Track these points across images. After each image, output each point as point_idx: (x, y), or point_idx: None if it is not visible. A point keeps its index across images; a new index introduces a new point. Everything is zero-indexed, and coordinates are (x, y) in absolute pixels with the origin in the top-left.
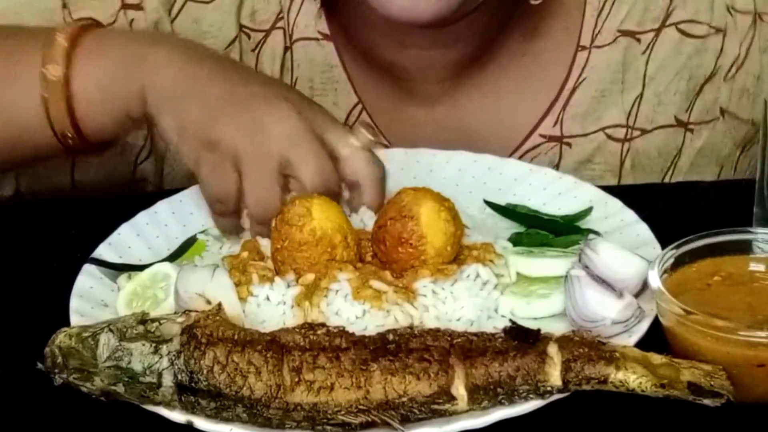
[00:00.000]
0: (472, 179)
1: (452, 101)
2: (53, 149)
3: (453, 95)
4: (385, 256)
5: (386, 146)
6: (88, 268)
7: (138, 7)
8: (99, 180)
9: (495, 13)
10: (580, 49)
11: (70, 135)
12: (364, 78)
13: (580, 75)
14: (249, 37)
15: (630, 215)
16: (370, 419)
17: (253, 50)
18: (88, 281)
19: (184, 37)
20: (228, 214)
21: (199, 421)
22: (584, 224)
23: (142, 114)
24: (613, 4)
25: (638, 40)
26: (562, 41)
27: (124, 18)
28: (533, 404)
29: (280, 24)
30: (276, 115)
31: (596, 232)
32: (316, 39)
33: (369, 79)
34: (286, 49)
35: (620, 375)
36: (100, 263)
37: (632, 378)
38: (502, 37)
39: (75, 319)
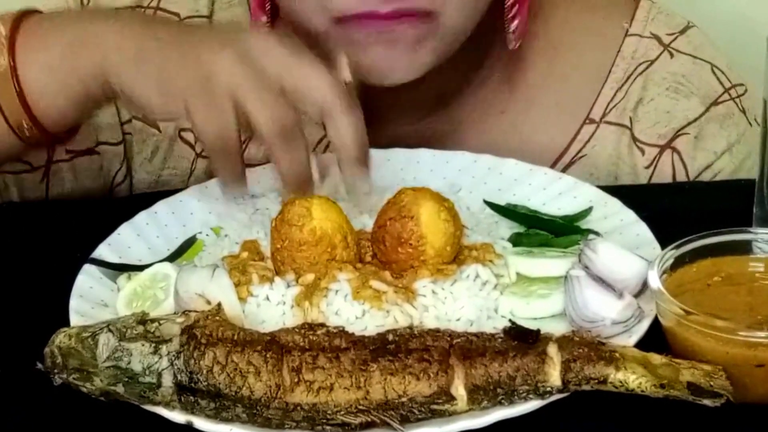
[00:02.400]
0: (472, 179)
1: (427, 133)
2: (13, 145)
3: (426, 134)
4: (384, 256)
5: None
6: (88, 268)
7: None
8: (73, 198)
9: (468, 59)
10: (587, 122)
11: (27, 126)
12: None
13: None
14: None
15: (630, 215)
16: (369, 419)
17: None
18: (88, 281)
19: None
20: (231, 152)
21: (198, 421)
22: (584, 224)
23: (102, 91)
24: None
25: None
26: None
27: None
28: (533, 404)
29: None
30: (219, 55)
31: (596, 232)
32: None
33: None
34: None
35: (620, 375)
36: (100, 263)
37: (632, 378)
38: (481, 78)
39: (75, 319)
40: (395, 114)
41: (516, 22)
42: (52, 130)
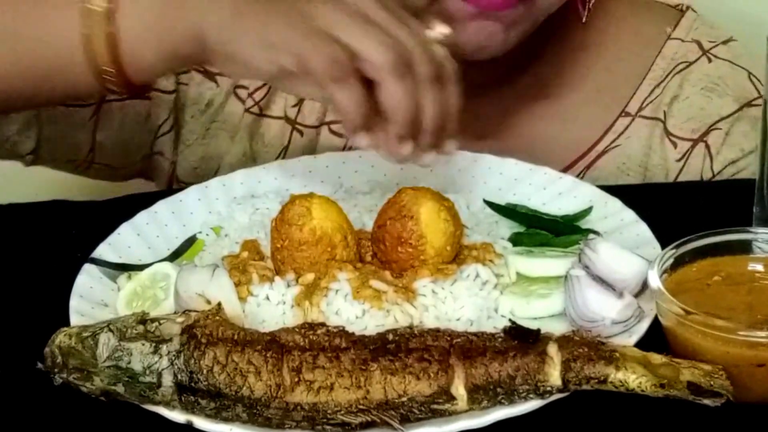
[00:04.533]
0: (472, 179)
1: (476, 116)
2: (88, 88)
3: (479, 110)
4: (384, 255)
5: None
6: (88, 268)
7: None
8: (118, 144)
9: (524, 45)
10: (623, 114)
11: (110, 73)
12: None
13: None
14: None
15: (630, 215)
16: (369, 419)
17: None
18: (88, 281)
19: None
20: (349, 76)
21: (198, 421)
22: (584, 224)
23: (194, 52)
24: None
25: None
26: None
27: None
28: (533, 404)
29: None
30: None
31: (596, 232)
32: None
33: None
34: None
35: (620, 375)
36: (100, 263)
37: (632, 378)
38: (531, 66)
39: (75, 319)
40: None
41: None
42: (132, 80)
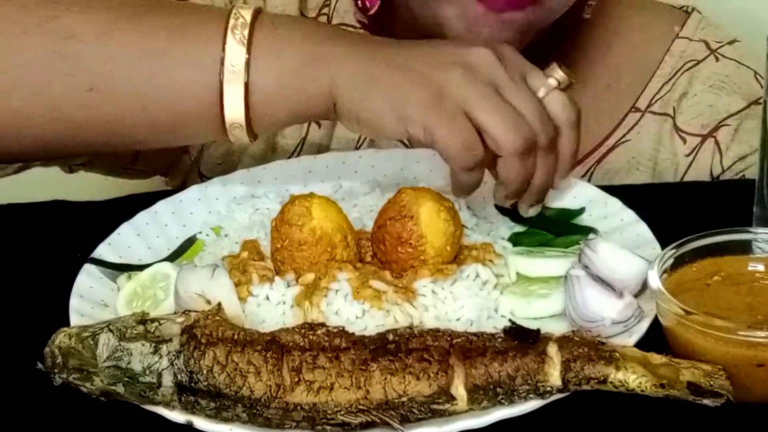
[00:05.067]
0: None
1: None
2: (212, 137)
3: None
4: (384, 256)
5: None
6: (88, 268)
7: None
8: (159, 152)
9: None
10: (633, 110)
11: (238, 125)
12: None
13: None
14: None
15: (630, 215)
16: (369, 419)
17: None
18: (88, 281)
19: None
20: (478, 164)
21: (198, 421)
22: (584, 224)
23: (322, 112)
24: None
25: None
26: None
27: None
28: (533, 404)
29: (325, 11)
30: (481, 57)
31: (596, 232)
32: (354, 27)
33: None
34: None
35: (620, 375)
36: (100, 263)
37: (632, 378)
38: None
39: (75, 319)
40: None
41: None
42: (255, 132)
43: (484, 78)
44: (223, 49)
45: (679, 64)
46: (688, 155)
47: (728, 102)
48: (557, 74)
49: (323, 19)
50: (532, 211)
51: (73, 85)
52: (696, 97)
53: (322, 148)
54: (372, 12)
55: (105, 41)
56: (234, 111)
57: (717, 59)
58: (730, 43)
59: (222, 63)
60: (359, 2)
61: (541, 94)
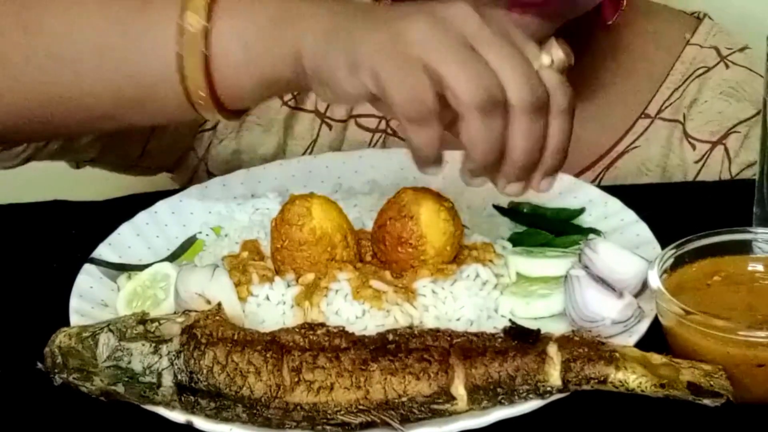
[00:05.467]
0: None
1: None
2: (180, 113)
3: None
4: (384, 256)
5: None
6: (88, 268)
7: None
8: (165, 147)
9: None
10: (642, 116)
11: (202, 97)
12: None
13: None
14: None
15: (630, 215)
16: (369, 419)
17: None
18: (88, 281)
19: None
20: (429, 118)
21: (198, 421)
22: (584, 224)
23: (292, 75)
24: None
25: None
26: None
27: None
28: (533, 404)
29: None
30: (454, 7)
31: (596, 232)
32: None
33: None
34: None
35: (620, 375)
36: (100, 263)
37: (632, 378)
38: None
39: (75, 319)
40: None
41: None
42: (226, 107)
43: (455, 29)
44: (182, 16)
45: (690, 71)
46: (697, 162)
47: (738, 109)
48: (555, 52)
49: None
50: (512, 190)
51: (34, 53)
52: (706, 104)
53: (333, 150)
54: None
55: (65, 9)
56: (196, 82)
57: (727, 66)
58: (741, 50)
59: (181, 31)
60: None
61: (539, 62)
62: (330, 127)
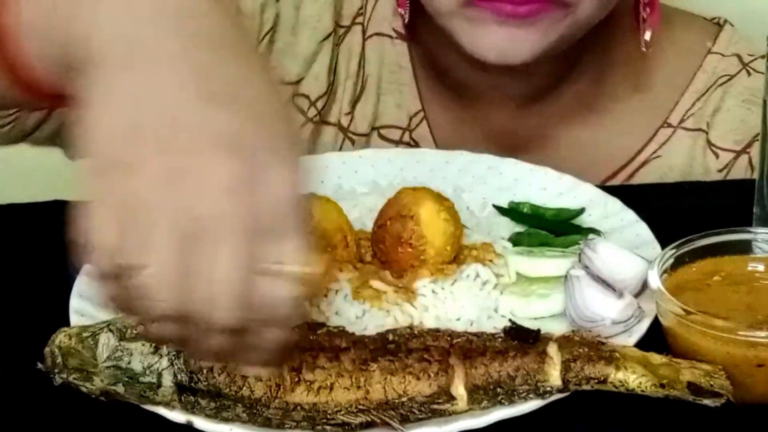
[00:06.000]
0: (472, 179)
1: (518, 127)
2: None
3: (521, 122)
4: (384, 256)
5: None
6: (88, 268)
7: None
8: None
9: (568, 56)
10: (665, 125)
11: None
12: (432, 87)
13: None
14: (335, 31)
15: (630, 215)
16: (369, 419)
17: (337, 45)
18: (88, 281)
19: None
20: (106, 275)
21: (198, 421)
22: (584, 224)
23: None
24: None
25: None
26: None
27: None
28: (533, 404)
29: (359, 19)
30: (219, 167)
31: (597, 232)
32: (390, 36)
33: (436, 89)
34: (362, 45)
35: (620, 375)
36: None
37: (632, 378)
38: (574, 76)
39: (75, 319)
40: (492, 104)
41: (649, 30)
42: (34, 88)
43: (193, 204)
44: None
45: (712, 80)
46: (720, 170)
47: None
48: (293, 266)
49: (358, 28)
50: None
51: None
52: (729, 112)
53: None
54: (406, 20)
55: None
56: None
57: (749, 74)
58: (763, 56)
59: None
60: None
61: (267, 270)
62: (353, 141)
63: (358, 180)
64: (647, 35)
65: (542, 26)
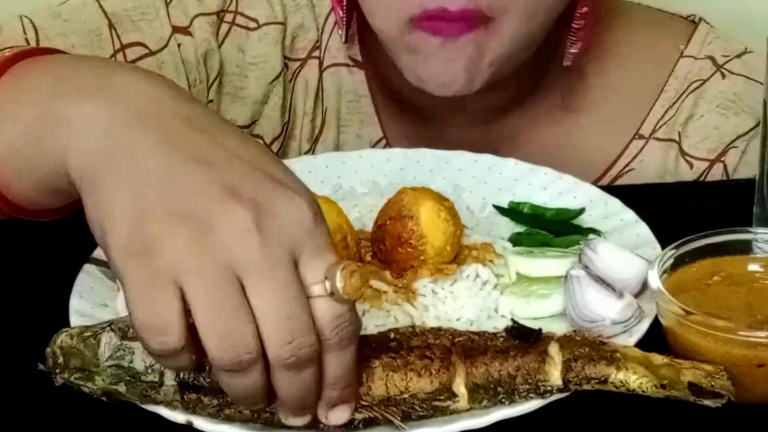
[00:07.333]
0: (472, 179)
1: (483, 146)
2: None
3: (485, 140)
4: (384, 256)
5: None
6: (88, 268)
7: (186, 32)
8: None
9: (529, 72)
10: (636, 137)
11: None
12: (392, 113)
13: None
14: (288, 67)
15: (630, 215)
16: (371, 415)
17: (290, 81)
18: (88, 281)
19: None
20: (172, 353)
21: (198, 421)
22: (585, 224)
23: (69, 188)
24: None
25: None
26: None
27: (174, 43)
28: (533, 404)
29: (315, 53)
30: (231, 215)
31: (597, 232)
32: (347, 65)
33: (396, 115)
34: (319, 78)
35: (621, 375)
36: (100, 263)
37: (633, 378)
38: (541, 90)
39: (75, 319)
40: (457, 119)
41: (578, 44)
42: (25, 208)
43: (222, 255)
44: None
45: (684, 86)
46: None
47: (736, 123)
48: (335, 281)
49: (314, 62)
50: (297, 422)
51: None
52: (702, 119)
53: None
54: (343, 39)
55: None
56: None
57: (724, 76)
58: (739, 56)
59: None
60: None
61: (311, 292)
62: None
63: (358, 180)
64: (574, 49)
65: (470, 50)
